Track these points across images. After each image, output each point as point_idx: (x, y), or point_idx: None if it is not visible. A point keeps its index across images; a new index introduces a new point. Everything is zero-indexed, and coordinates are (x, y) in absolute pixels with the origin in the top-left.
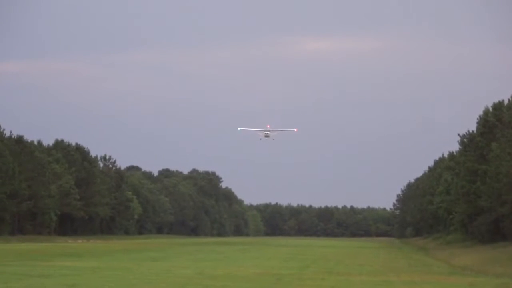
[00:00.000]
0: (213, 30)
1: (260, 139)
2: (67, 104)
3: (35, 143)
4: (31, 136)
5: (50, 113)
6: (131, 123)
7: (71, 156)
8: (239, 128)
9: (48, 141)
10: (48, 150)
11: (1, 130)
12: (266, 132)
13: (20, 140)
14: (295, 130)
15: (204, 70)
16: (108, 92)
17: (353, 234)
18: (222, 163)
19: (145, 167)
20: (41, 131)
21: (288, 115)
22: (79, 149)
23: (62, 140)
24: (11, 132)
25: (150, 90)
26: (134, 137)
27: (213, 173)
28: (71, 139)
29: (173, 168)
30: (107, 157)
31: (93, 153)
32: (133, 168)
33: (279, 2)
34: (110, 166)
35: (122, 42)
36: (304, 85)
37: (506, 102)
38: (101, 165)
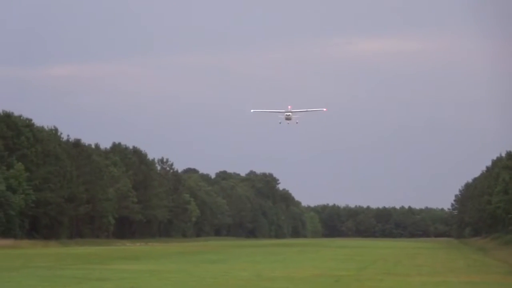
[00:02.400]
0: (264, 30)
1: (280, 122)
2: (124, 107)
3: (93, 146)
4: (88, 139)
5: (107, 116)
6: (188, 126)
7: (129, 159)
8: (252, 110)
9: (106, 144)
10: (106, 153)
11: (59, 134)
12: (287, 113)
13: (77, 143)
14: (324, 109)
15: (256, 71)
16: (164, 94)
17: (411, 235)
18: (279, 164)
19: (202, 170)
20: (98, 135)
21: (342, 115)
22: (136, 152)
23: (119, 143)
24: (68, 136)
25: (207, 92)
26: (191, 140)
27: (271, 175)
28: (128, 142)
29: (230, 170)
30: (164, 160)
31: (150, 156)
32: (190, 171)
33: (329, 3)
34: (168, 168)
35: (176, 44)
36: (354, 84)
37: None
38: (159, 168)
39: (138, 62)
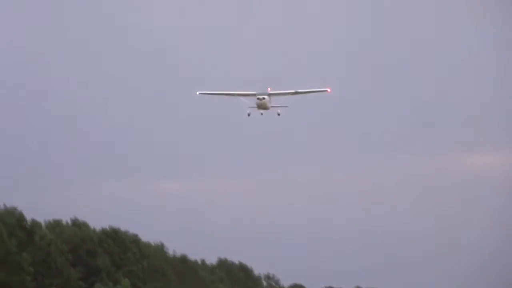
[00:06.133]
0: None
1: (249, 114)
2: (229, 222)
3: (199, 262)
4: (194, 255)
5: (214, 231)
6: (295, 239)
7: (235, 275)
8: (198, 92)
9: (212, 260)
10: (212, 269)
11: (165, 249)
12: (261, 96)
13: (183, 259)
14: (328, 90)
15: (384, 181)
16: (269, 209)
17: None
18: (388, 277)
19: (308, 285)
20: (204, 249)
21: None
22: (242, 268)
23: (226, 259)
24: (174, 251)
25: (309, 204)
26: (297, 253)
27: None
28: (235, 257)
29: (336, 285)
30: (271, 275)
31: (256, 271)
32: (297, 286)
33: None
34: (274, 284)
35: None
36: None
37: None
38: (265, 283)
39: (249, 175)
